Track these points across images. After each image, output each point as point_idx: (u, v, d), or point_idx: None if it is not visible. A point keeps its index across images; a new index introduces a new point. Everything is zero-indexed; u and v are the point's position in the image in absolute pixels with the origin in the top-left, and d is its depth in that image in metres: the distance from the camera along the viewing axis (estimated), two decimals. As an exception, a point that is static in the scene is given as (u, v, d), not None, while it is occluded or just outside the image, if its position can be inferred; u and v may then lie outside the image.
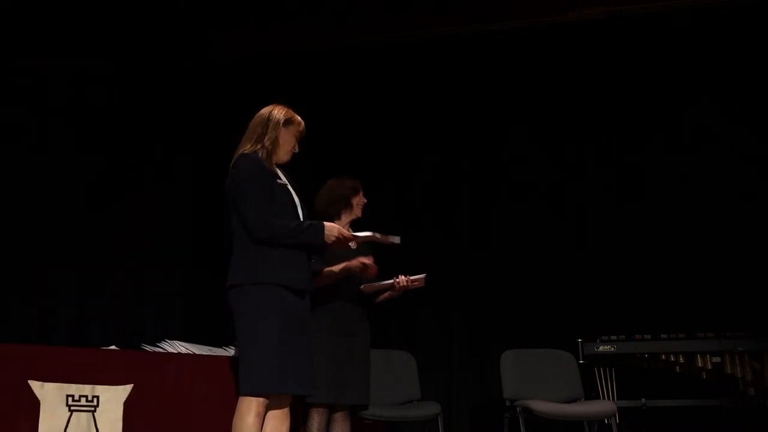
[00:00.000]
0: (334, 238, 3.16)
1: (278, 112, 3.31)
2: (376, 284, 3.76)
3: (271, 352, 3.07)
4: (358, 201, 3.88)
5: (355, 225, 3.89)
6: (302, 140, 3.39)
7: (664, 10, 5.22)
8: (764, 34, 5.16)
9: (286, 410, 3.23)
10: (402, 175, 5.53)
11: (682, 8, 5.22)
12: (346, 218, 3.87)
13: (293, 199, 3.28)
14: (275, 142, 3.27)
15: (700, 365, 4.71)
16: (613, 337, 4.79)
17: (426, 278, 3.80)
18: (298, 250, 3.18)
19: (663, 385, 4.81)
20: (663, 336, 4.76)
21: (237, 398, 3.14)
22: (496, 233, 5.38)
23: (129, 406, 3.47)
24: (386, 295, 3.89)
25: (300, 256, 3.20)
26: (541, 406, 4.27)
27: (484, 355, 5.14)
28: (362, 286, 3.76)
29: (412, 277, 3.76)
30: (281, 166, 3.36)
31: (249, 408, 3.07)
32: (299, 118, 3.36)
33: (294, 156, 3.38)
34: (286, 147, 3.32)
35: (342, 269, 3.67)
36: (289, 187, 3.32)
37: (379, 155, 5.48)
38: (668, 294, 4.99)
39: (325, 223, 3.20)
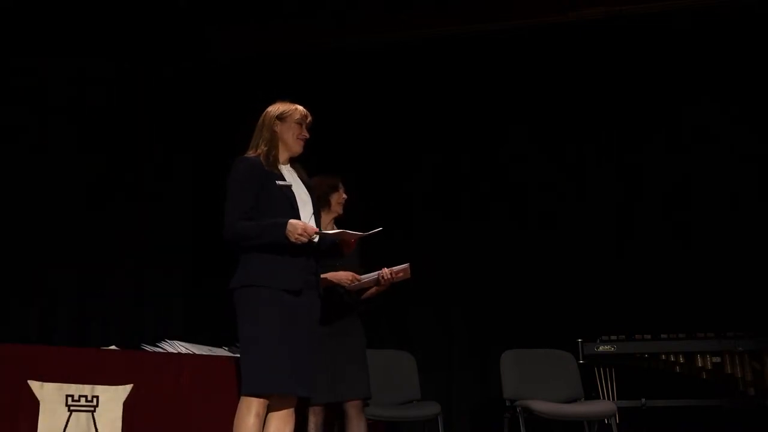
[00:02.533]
0: (297, 235, 3.10)
1: (272, 110, 3.35)
2: (362, 281, 3.75)
3: (270, 352, 3.08)
4: (338, 199, 3.90)
5: (339, 222, 3.90)
6: (311, 126, 3.39)
7: (664, 10, 5.22)
8: (764, 34, 5.15)
9: (291, 411, 3.23)
10: (402, 175, 5.53)
11: (682, 8, 5.22)
12: (326, 216, 3.88)
13: (293, 200, 3.27)
14: (272, 142, 3.29)
15: (700, 365, 4.70)
16: (613, 337, 4.79)
17: (410, 268, 3.76)
18: (271, 251, 3.15)
19: (663, 385, 4.81)
20: (663, 336, 4.76)
21: (237, 398, 3.15)
22: (496, 233, 5.38)
23: (129, 406, 3.47)
24: (373, 290, 3.90)
25: (296, 256, 3.20)
26: (541, 406, 4.27)
27: (484, 355, 5.14)
28: (347, 285, 3.77)
29: (395, 269, 3.74)
30: (298, 164, 3.39)
31: (249, 408, 3.08)
32: (294, 106, 3.37)
33: (302, 156, 3.40)
34: (290, 138, 3.33)
35: (332, 278, 3.68)
36: (295, 187, 3.31)
37: (379, 155, 5.48)
38: (668, 294, 4.99)
39: (290, 221, 3.14)
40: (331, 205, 3.90)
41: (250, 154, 3.30)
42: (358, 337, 3.86)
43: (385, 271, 3.74)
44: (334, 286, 3.72)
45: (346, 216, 3.94)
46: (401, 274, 3.77)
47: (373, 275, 3.76)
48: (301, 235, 3.11)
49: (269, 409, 3.16)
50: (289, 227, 3.11)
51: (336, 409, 3.82)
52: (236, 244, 3.18)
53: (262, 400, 3.10)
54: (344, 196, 3.93)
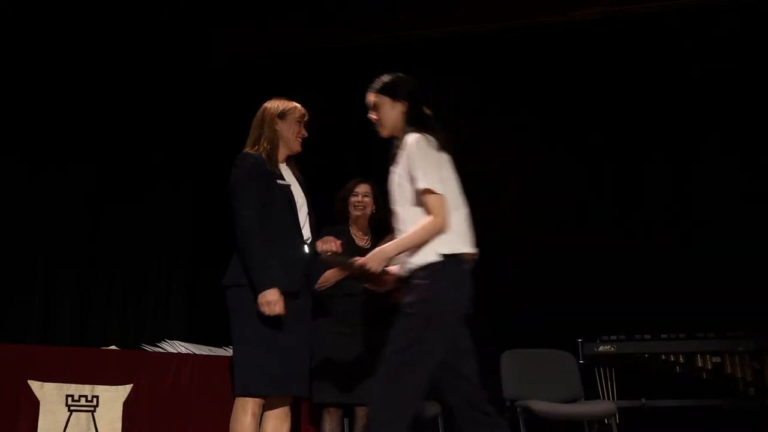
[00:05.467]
0: (265, 306, 3.04)
1: (271, 108, 3.33)
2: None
3: (263, 353, 3.07)
4: (354, 202, 3.92)
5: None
6: (308, 124, 3.39)
7: (664, 10, 5.22)
8: (764, 33, 5.16)
9: (286, 409, 3.24)
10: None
11: (682, 8, 5.22)
12: (352, 220, 3.89)
13: (293, 200, 3.26)
14: (273, 140, 3.28)
15: (700, 365, 4.70)
16: (613, 337, 4.79)
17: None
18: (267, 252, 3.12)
19: (663, 385, 4.80)
20: (663, 336, 4.75)
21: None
22: (496, 233, 5.36)
23: (128, 406, 3.47)
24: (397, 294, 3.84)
25: (294, 257, 3.19)
26: (541, 406, 4.26)
27: (484, 355, 5.13)
28: (366, 284, 3.64)
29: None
30: (293, 160, 3.39)
31: (245, 408, 3.07)
32: (293, 104, 3.37)
33: (298, 155, 3.39)
34: (291, 138, 3.32)
35: (339, 273, 3.67)
36: (293, 187, 3.31)
37: (379, 156, 5.46)
38: (668, 294, 4.99)
39: (269, 291, 3.03)
40: (349, 208, 3.92)
41: (249, 150, 3.28)
42: (375, 337, 3.82)
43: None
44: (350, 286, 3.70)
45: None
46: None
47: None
48: (265, 306, 3.04)
49: (265, 408, 3.16)
50: (261, 298, 3.03)
51: (348, 408, 3.82)
52: (241, 248, 3.14)
53: (258, 399, 3.10)
54: (355, 199, 3.90)
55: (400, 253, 2.80)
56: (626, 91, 5.39)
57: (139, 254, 5.33)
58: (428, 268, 2.78)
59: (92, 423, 3.39)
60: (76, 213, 5.01)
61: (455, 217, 2.88)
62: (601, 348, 4.77)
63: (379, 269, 2.83)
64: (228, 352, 4.08)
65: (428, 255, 2.78)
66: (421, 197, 2.78)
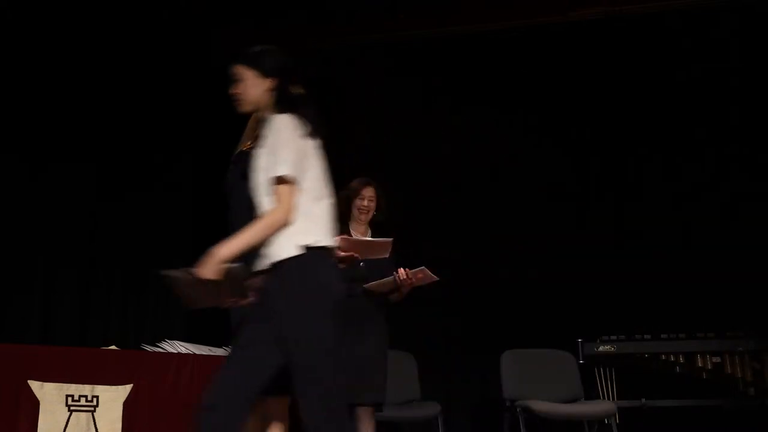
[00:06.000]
0: None
1: None
2: (379, 282, 3.71)
3: None
4: (359, 205, 3.84)
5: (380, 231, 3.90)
6: None
7: (664, 10, 5.23)
8: (764, 34, 5.16)
9: (284, 409, 3.23)
10: (401, 176, 5.52)
11: (682, 8, 5.22)
12: (353, 222, 3.85)
13: None
14: None
15: (700, 365, 4.71)
16: (613, 337, 4.80)
17: (429, 271, 3.68)
18: None
19: (663, 385, 4.81)
20: (663, 336, 4.76)
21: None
22: (496, 233, 5.38)
23: (128, 406, 3.47)
24: (397, 295, 3.82)
25: None
26: (541, 406, 4.27)
27: (484, 355, 5.14)
28: (366, 285, 3.73)
29: (412, 270, 3.66)
30: None
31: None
32: None
33: None
34: None
35: None
36: None
37: (377, 156, 5.47)
38: (668, 294, 4.99)
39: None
40: (351, 210, 3.83)
41: (250, 145, 3.27)
42: (378, 337, 3.81)
43: (402, 272, 3.66)
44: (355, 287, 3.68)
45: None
46: (420, 276, 3.69)
47: (389, 278, 3.68)
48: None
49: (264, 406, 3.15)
50: None
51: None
52: None
53: (261, 399, 3.09)
54: (362, 202, 3.83)
55: (235, 253, 2.48)
56: (626, 91, 5.39)
57: (139, 254, 5.33)
58: (288, 264, 2.47)
59: (92, 423, 3.39)
60: (76, 213, 5.00)
61: (317, 208, 2.58)
62: (601, 348, 4.78)
63: (215, 276, 2.53)
64: (228, 352, 4.07)
65: (288, 248, 2.48)
66: (273, 184, 2.50)
